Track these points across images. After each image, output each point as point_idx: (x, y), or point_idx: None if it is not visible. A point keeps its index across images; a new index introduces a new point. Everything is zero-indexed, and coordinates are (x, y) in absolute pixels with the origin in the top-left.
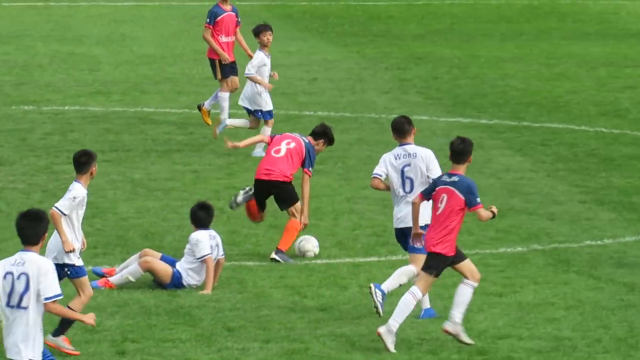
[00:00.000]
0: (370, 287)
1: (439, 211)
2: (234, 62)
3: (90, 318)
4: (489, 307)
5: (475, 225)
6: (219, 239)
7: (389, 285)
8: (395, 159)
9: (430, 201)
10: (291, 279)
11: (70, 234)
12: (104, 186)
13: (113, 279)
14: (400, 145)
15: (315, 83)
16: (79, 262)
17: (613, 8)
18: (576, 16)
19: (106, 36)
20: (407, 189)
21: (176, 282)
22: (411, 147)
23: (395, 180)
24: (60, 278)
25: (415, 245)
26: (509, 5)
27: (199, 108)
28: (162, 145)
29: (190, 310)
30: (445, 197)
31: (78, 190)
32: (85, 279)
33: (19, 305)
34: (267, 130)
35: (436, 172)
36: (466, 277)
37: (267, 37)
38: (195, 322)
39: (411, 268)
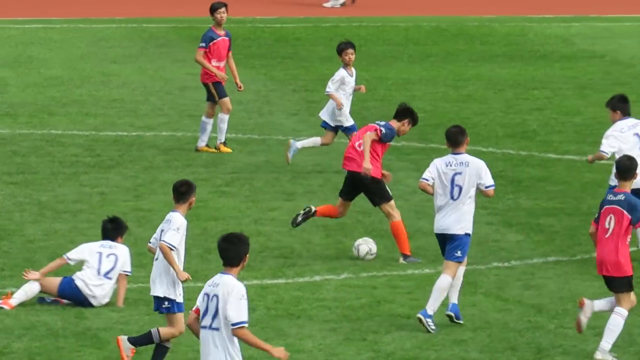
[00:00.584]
0: (419, 319)
1: (608, 233)
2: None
3: (280, 352)
4: (397, 328)
5: (382, 247)
6: (119, 252)
7: (433, 306)
8: (447, 166)
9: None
10: None
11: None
12: (10, 208)
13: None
14: (453, 154)
15: None
16: (180, 298)
17: (520, 30)
18: (484, 38)
19: (14, 58)
20: (455, 196)
21: (66, 287)
22: (464, 157)
23: (444, 186)
24: (156, 309)
25: None
26: (417, 28)
27: (217, 148)
28: (69, 167)
29: (97, 333)
30: (612, 217)
31: (179, 219)
32: (180, 315)
33: (210, 327)
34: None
35: (488, 181)
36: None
37: (349, 55)
38: (103, 345)
39: (447, 280)
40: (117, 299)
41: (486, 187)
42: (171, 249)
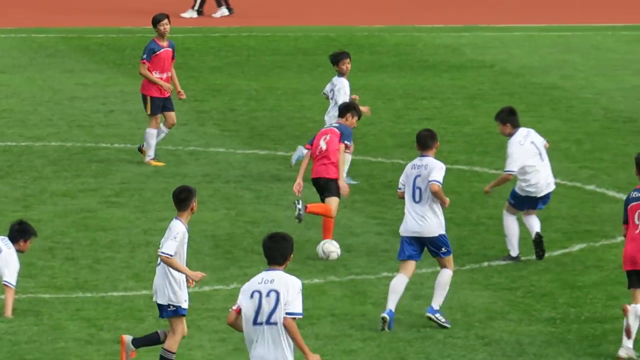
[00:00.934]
0: (429, 317)
1: (638, 229)
2: (169, 98)
3: (316, 358)
4: None
5: None
6: (2, 257)
7: (439, 301)
8: (411, 168)
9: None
10: (87, 311)
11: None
12: None
13: None
14: (420, 156)
15: (111, 115)
16: (185, 304)
17: (409, 40)
18: (373, 48)
19: None
20: (417, 198)
21: None
22: (427, 159)
23: (409, 189)
24: (161, 316)
25: None
26: (306, 38)
27: (141, 151)
28: None
29: None
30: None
31: (178, 227)
32: (183, 318)
33: (268, 322)
34: (348, 157)
35: (434, 176)
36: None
37: (346, 65)
38: None
39: (448, 274)
40: (4, 309)
41: (429, 181)
42: (169, 257)
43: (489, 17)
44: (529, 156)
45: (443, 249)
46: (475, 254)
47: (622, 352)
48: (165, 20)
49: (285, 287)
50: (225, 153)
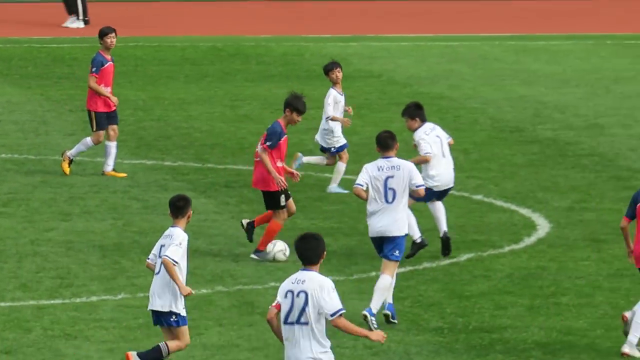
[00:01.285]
0: (365, 315)
1: None
2: (114, 111)
3: (378, 335)
4: None
5: None
6: None
7: (376, 305)
8: (379, 170)
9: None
10: None
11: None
12: None
13: None
14: (384, 157)
15: None
16: (184, 312)
17: (297, 50)
18: (260, 58)
19: None
20: (390, 199)
21: None
22: (394, 160)
23: (378, 190)
24: (161, 324)
25: None
26: (193, 48)
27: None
28: None
29: None
30: None
31: (180, 234)
32: (185, 328)
33: (298, 321)
34: (341, 166)
35: (419, 181)
36: None
37: (337, 74)
38: None
39: (387, 279)
40: None
41: (417, 187)
42: (174, 264)
43: (376, 27)
44: (434, 146)
45: (397, 252)
46: (363, 263)
47: (625, 349)
48: (113, 34)
49: (317, 289)
50: (132, 165)
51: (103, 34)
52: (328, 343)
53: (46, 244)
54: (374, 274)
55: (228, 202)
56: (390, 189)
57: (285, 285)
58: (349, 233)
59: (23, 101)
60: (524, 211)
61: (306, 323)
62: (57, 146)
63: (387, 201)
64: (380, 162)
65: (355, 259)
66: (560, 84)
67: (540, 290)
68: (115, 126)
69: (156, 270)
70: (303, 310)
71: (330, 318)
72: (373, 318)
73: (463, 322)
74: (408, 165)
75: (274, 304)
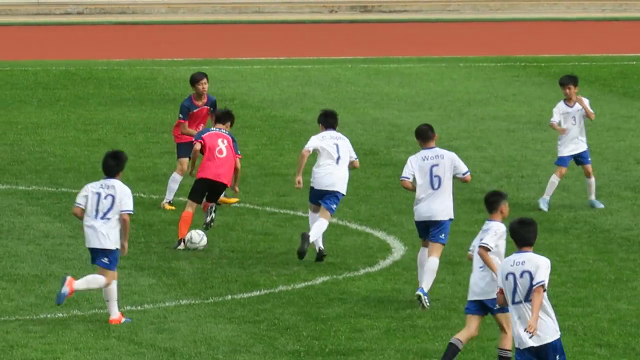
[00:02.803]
0: (419, 296)
1: None
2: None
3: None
4: None
5: (15, 291)
6: None
7: (427, 285)
8: (424, 160)
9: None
10: None
11: None
12: None
13: None
14: (426, 149)
15: None
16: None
17: (150, 74)
18: (113, 82)
19: None
20: (435, 186)
21: None
22: (437, 150)
23: (424, 179)
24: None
25: None
26: (46, 72)
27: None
28: None
29: None
30: None
31: (500, 226)
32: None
33: (526, 299)
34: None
35: (464, 169)
36: None
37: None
38: None
39: (435, 261)
40: None
41: (463, 174)
42: (488, 250)
43: (229, 50)
44: (324, 147)
45: (442, 235)
46: (218, 287)
47: None
48: (204, 80)
49: (535, 267)
50: None
51: (194, 80)
52: (552, 312)
53: None
54: (229, 297)
55: (80, 225)
56: (435, 176)
57: (504, 268)
58: (203, 257)
59: None
60: (379, 234)
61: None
62: None
63: (432, 188)
64: (424, 152)
65: (210, 282)
66: (414, 107)
67: (396, 313)
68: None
69: (480, 265)
70: (530, 289)
71: (534, 285)
72: (426, 297)
73: (319, 344)
74: (451, 155)
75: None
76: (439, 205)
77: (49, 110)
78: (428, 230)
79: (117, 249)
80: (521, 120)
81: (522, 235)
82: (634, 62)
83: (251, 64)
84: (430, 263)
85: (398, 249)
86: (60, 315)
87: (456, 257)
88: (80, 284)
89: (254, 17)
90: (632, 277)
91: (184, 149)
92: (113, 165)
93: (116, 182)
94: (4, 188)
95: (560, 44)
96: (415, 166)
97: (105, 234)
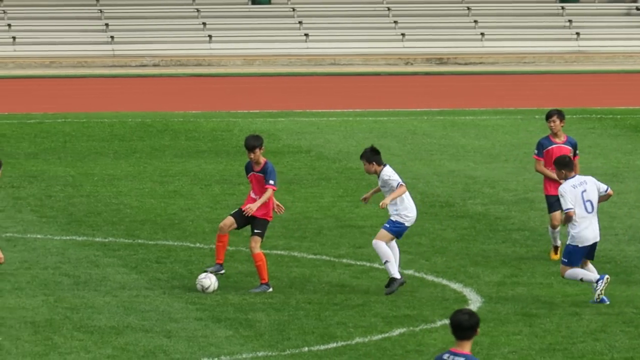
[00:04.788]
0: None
1: None
2: None
3: None
4: None
5: (92, 342)
6: None
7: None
8: (574, 188)
9: None
10: None
11: None
12: None
13: None
14: (570, 178)
15: None
16: None
17: (225, 125)
18: (189, 134)
19: None
20: (589, 209)
21: None
22: (580, 177)
23: (579, 205)
24: None
25: None
26: (122, 124)
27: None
28: None
29: None
30: None
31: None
32: None
33: None
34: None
35: (604, 186)
36: None
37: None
38: None
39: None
40: None
41: (605, 191)
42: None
43: (305, 103)
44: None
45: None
46: (295, 338)
47: None
48: (554, 117)
49: None
50: (43, 239)
51: (546, 116)
52: None
53: None
54: (306, 349)
55: (159, 277)
56: (587, 201)
57: None
58: (280, 308)
59: None
60: (455, 286)
61: None
62: None
63: (587, 211)
64: (571, 181)
65: (287, 334)
66: (490, 159)
67: None
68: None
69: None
70: None
71: None
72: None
73: None
74: (591, 178)
75: None
76: (598, 227)
77: (125, 162)
78: (588, 253)
79: None
80: (597, 172)
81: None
82: None
83: (327, 116)
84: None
85: (475, 301)
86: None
87: (532, 309)
88: None
89: (329, 69)
90: None
91: None
92: None
93: None
94: (81, 240)
95: (636, 96)
96: (572, 195)
97: None
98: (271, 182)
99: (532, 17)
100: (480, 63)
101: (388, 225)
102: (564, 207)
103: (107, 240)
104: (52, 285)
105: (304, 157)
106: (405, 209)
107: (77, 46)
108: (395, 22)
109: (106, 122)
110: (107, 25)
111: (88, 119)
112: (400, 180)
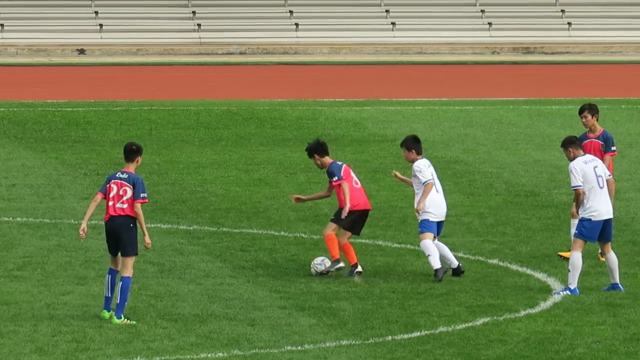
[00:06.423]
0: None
1: None
2: None
3: None
4: None
5: (176, 330)
6: None
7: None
8: (586, 164)
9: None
10: None
11: None
12: None
13: None
14: (580, 156)
15: (14, 189)
16: None
17: (311, 114)
18: (275, 122)
19: None
20: (601, 184)
21: None
22: (589, 156)
23: (591, 180)
24: None
25: None
26: (208, 112)
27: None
28: None
29: None
30: None
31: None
32: None
33: None
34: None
35: (608, 172)
36: None
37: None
38: None
39: (615, 256)
40: None
41: (609, 175)
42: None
43: (390, 91)
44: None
45: (612, 232)
46: (378, 327)
47: None
48: (585, 112)
49: None
50: None
51: (579, 112)
52: None
53: (62, 307)
54: (389, 338)
55: (244, 265)
56: (599, 176)
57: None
58: (364, 297)
59: (38, 165)
60: (540, 275)
61: None
62: (73, 210)
63: (600, 187)
64: (582, 158)
65: (371, 322)
66: None
67: (556, 355)
68: None
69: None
70: None
71: None
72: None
73: None
74: (599, 160)
75: None
76: (610, 202)
77: (210, 150)
78: (602, 230)
79: None
80: None
81: None
82: None
83: (413, 105)
84: (612, 259)
85: (559, 291)
86: (221, 354)
87: (617, 299)
88: None
89: (415, 57)
90: None
91: None
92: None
93: None
94: (166, 227)
95: None
96: (582, 172)
97: None
98: (335, 178)
99: (619, 6)
100: (567, 52)
101: (419, 229)
102: (573, 183)
103: (191, 228)
104: (137, 272)
105: (390, 146)
106: (429, 207)
107: (163, 34)
108: (482, 11)
109: (192, 110)
110: (194, 12)
111: (174, 106)
112: (429, 178)
